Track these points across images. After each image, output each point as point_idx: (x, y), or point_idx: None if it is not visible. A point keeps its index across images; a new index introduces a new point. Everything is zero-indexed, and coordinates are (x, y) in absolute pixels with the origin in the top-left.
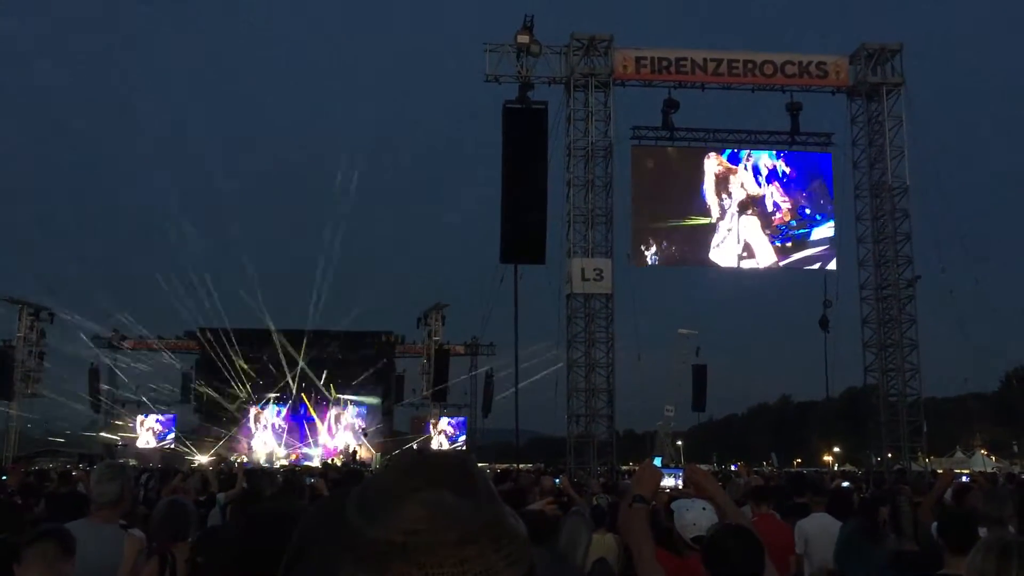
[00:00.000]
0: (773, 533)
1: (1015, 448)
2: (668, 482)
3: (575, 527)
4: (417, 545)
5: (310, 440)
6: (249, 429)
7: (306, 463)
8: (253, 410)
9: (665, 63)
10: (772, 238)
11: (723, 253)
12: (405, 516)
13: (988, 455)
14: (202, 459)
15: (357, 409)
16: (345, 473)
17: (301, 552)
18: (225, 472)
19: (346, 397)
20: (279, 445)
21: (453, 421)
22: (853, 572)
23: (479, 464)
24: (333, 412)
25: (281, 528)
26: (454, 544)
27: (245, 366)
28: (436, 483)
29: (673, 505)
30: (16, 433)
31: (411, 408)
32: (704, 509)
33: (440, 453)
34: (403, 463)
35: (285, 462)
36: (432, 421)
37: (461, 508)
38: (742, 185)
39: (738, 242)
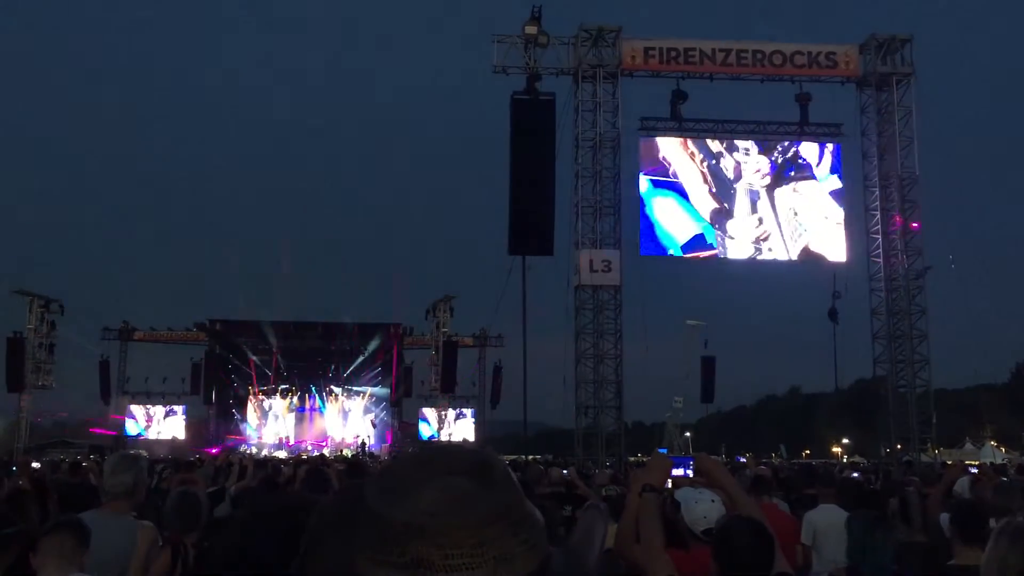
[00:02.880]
0: (776, 523)
1: None
2: (678, 472)
3: (592, 521)
4: (436, 527)
5: (318, 431)
6: (258, 420)
7: (316, 453)
8: (262, 401)
9: (673, 53)
10: (782, 229)
11: (735, 244)
12: (424, 500)
13: (998, 446)
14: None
15: (365, 401)
16: (349, 465)
17: (320, 535)
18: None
19: (355, 389)
20: (288, 436)
21: (462, 413)
22: (866, 565)
23: None
24: (341, 403)
25: (288, 516)
26: (472, 527)
27: (254, 357)
28: (454, 470)
29: (679, 496)
30: (27, 424)
31: (420, 400)
32: (713, 501)
33: (458, 443)
34: (421, 452)
35: (283, 453)
36: (441, 413)
37: (479, 494)
38: (751, 175)
39: (749, 233)
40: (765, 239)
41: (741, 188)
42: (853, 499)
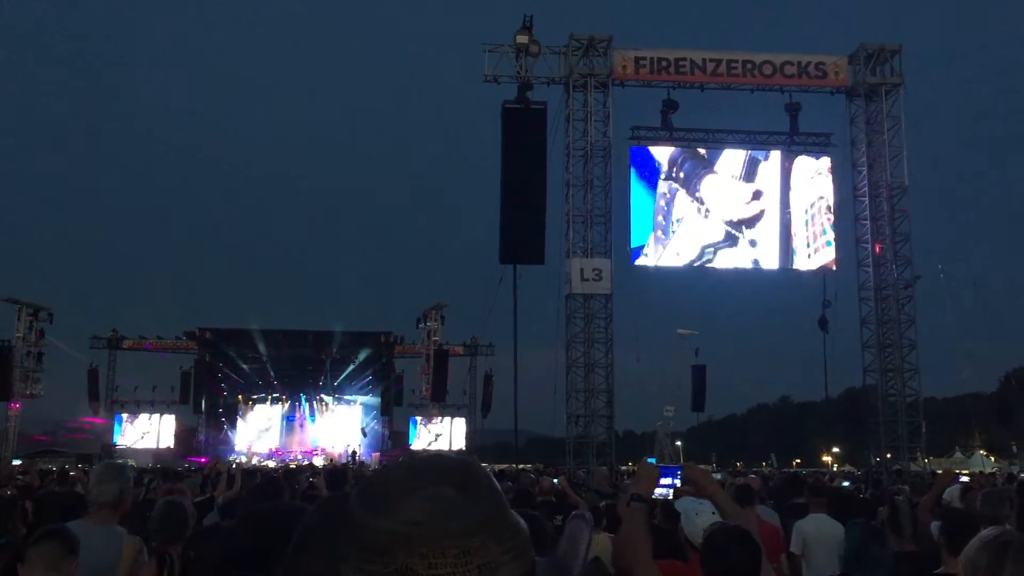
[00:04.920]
0: (759, 532)
1: (1014, 448)
2: (666, 481)
3: (576, 530)
4: (421, 536)
5: (308, 440)
6: (248, 429)
7: (306, 461)
8: (252, 410)
9: (664, 63)
10: (782, 240)
11: (728, 254)
12: (409, 509)
13: (987, 455)
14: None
15: (356, 409)
16: (329, 472)
17: (304, 544)
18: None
19: (345, 397)
20: (277, 445)
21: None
22: (860, 574)
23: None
24: (331, 412)
25: (274, 525)
26: (456, 536)
27: (244, 366)
28: (439, 480)
29: (679, 506)
30: (15, 433)
31: (410, 409)
32: (713, 514)
33: (443, 453)
34: (406, 462)
35: (272, 463)
36: (431, 421)
37: (463, 503)
38: (743, 185)
39: (743, 243)
40: (760, 248)
41: (734, 196)
42: (844, 509)
